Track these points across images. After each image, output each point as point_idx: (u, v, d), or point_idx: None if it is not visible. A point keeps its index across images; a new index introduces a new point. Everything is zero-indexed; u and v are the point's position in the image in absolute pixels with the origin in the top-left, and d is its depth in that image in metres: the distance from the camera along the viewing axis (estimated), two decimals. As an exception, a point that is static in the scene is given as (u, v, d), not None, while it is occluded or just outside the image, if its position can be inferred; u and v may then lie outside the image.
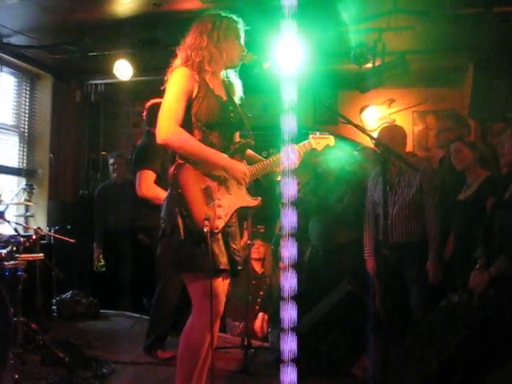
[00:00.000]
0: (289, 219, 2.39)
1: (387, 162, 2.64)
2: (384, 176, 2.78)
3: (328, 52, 5.13)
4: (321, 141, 2.88)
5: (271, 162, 2.69)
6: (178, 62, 2.56)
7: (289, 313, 2.33)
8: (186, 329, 2.55)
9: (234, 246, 2.59)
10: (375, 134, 4.04)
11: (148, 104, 4.09)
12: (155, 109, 3.86)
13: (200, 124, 2.48)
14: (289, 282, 2.40)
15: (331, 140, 2.92)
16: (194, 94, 2.47)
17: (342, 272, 4.20)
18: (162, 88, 2.51)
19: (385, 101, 6.56)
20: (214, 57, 2.51)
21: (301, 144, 2.79)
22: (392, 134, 4.03)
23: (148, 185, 3.85)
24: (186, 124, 2.46)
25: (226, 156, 2.50)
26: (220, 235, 2.49)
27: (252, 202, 2.64)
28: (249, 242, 4.27)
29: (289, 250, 2.42)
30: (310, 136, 2.85)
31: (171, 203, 2.45)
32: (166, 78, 2.53)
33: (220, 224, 2.47)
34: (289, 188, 2.36)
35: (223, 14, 2.59)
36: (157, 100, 3.82)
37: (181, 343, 2.56)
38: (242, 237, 4.36)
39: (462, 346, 2.91)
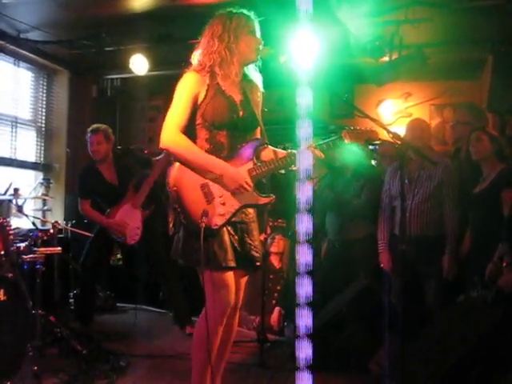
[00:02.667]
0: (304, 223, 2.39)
1: (406, 157, 2.61)
2: (402, 170, 2.76)
3: (344, 45, 5.08)
4: (359, 135, 2.73)
5: (284, 162, 2.60)
6: (192, 67, 2.60)
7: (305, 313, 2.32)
8: (198, 321, 2.60)
9: (251, 242, 2.60)
10: (392, 129, 4.01)
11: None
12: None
13: (207, 124, 2.53)
14: (304, 285, 2.41)
15: (375, 133, 2.76)
16: (202, 96, 2.51)
17: (358, 266, 4.18)
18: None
19: (401, 94, 6.50)
20: (224, 59, 2.52)
21: (329, 141, 2.66)
22: (418, 127, 4.00)
23: (86, 211, 4.57)
24: (194, 124, 2.53)
25: (224, 165, 2.48)
26: (226, 233, 2.50)
27: (262, 199, 2.60)
28: (265, 236, 4.26)
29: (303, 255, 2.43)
30: (344, 131, 2.69)
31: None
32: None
33: (220, 221, 2.48)
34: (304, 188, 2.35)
35: (233, 11, 2.58)
36: None
37: (194, 335, 2.62)
38: (264, 232, 4.39)
39: (481, 343, 2.89)
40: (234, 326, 2.70)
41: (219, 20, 2.57)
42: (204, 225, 2.40)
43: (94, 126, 4.68)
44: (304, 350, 2.36)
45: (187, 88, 2.51)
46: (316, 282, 2.50)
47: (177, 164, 2.50)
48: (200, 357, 2.54)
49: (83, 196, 4.60)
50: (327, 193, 4.46)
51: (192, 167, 2.49)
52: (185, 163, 2.49)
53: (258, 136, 2.69)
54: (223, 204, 2.49)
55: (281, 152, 2.69)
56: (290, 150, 2.63)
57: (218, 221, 2.47)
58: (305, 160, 2.58)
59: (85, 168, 4.77)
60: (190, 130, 2.53)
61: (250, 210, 2.63)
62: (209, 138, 2.53)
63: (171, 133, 2.47)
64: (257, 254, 2.61)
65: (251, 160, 2.60)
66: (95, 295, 4.95)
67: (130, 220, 4.46)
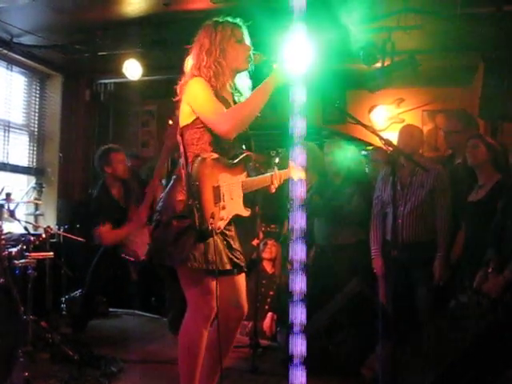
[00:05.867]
0: (298, 221, 2.40)
1: (397, 163, 2.63)
2: (393, 176, 2.78)
3: (337, 51, 5.11)
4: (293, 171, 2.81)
5: (266, 179, 2.72)
6: (187, 79, 2.59)
7: (298, 314, 2.33)
8: (182, 326, 2.57)
9: (235, 247, 2.63)
10: (384, 135, 4.04)
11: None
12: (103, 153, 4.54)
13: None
14: (298, 283, 2.41)
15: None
16: None
17: (348, 272, 4.19)
18: (175, 100, 2.58)
19: (394, 100, 6.53)
20: (216, 72, 2.54)
21: (282, 171, 2.77)
22: (410, 134, 4.03)
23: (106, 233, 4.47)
24: (202, 128, 2.51)
25: (264, 84, 2.51)
26: (219, 237, 2.52)
27: (245, 211, 2.65)
28: (258, 241, 4.27)
29: (297, 252, 2.44)
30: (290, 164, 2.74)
31: (174, 194, 2.49)
32: (179, 92, 2.58)
33: (222, 225, 2.50)
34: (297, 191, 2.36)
35: (219, 21, 2.59)
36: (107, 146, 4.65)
37: (179, 341, 2.58)
38: (256, 237, 4.41)
39: (473, 347, 2.90)
40: (236, 334, 2.70)
41: (205, 33, 2.58)
42: (212, 226, 2.40)
43: (112, 146, 4.72)
44: (298, 347, 2.37)
45: (205, 87, 2.49)
46: (306, 286, 2.51)
47: (201, 159, 2.44)
48: (187, 366, 2.54)
49: (104, 221, 4.48)
50: (316, 199, 4.47)
51: (259, 108, 2.50)
52: (254, 112, 2.49)
53: (250, 145, 2.71)
54: (224, 208, 2.50)
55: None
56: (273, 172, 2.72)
57: (220, 224, 2.49)
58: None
59: (99, 192, 4.69)
60: (191, 133, 2.52)
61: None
62: (213, 142, 2.52)
63: (222, 122, 2.44)
64: (240, 260, 2.63)
65: (245, 172, 2.66)
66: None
67: (138, 237, 4.48)
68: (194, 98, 2.49)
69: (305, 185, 2.51)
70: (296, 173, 2.78)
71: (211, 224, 2.38)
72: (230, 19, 2.61)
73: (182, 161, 2.56)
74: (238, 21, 2.62)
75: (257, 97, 2.52)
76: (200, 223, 2.39)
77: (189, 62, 2.63)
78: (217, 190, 2.47)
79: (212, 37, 2.55)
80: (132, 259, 4.50)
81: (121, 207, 4.62)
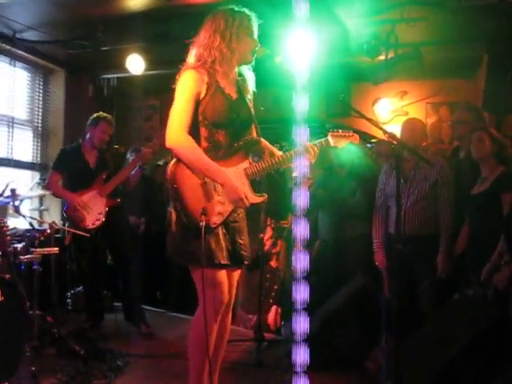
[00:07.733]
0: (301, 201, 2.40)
1: (401, 156, 2.62)
2: (398, 170, 2.77)
3: (340, 44, 5.09)
4: (342, 139, 2.79)
5: (279, 160, 2.62)
6: (190, 59, 2.58)
7: (301, 295, 2.33)
8: (193, 320, 2.61)
9: (241, 241, 2.62)
10: (388, 127, 4.02)
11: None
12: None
13: (207, 122, 2.52)
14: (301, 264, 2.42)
15: (355, 137, 2.81)
16: (203, 95, 2.50)
17: (352, 265, 4.19)
18: (174, 86, 2.55)
19: (397, 93, 6.52)
20: (225, 57, 2.52)
21: (316, 142, 2.70)
22: (413, 128, 4.01)
23: (54, 183, 4.67)
24: (194, 122, 2.50)
25: (226, 175, 2.47)
26: (221, 231, 2.52)
27: (256, 198, 2.60)
28: (261, 235, 4.27)
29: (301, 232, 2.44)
30: (329, 134, 2.75)
31: (169, 198, 2.52)
32: (176, 78, 2.56)
33: (218, 219, 2.49)
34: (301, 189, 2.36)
35: (236, 10, 2.56)
36: None
37: (190, 335, 2.61)
38: (263, 232, 4.40)
39: (477, 341, 2.90)
40: (227, 324, 2.72)
41: (222, 16, 2.54)
42: (204, 223, 2.40)
43: (107, 115, 4.77)
44: (301, 325, 2.37)
45: (188, 87, 2.48)
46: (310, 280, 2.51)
47: (175, 161, 2.48)
48: (197, 358, 2.55)
49: (57, 167, 4.68)
50: (320, 192, 4.47)
51: (193, 170, 2.46)
52: (187, 164, 2.46)
53: (254, 134, 2.69)
54: (221, 203, 2.50)
55: (276, 150, 2.72)
56: (285, 151, 2.65)
57: (216, 219, 2.48)
58: (301, 160, 2.61)
59: (69, 146, 4.86)
60: (192, 128, 2.51)
61: (240, 209, 2.63)
62: (208, 137, 2.52)
63: (177, 133, 2.44)
64: (245, 253, 2.64)
65: (247, 159, 2.62)
66: (100, 293, 4.93)
67: (93, 205, 4.48)
68: (176, 94, 2.49)
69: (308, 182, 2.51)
70: (342, 139, 2.77)
71: (202, 221, 2.39)
72: (246, 11, 2.58)
73: None
74: (253, 15, 2.59)
75: (206, 168, 2.44)
76: (186, 222, 2.44)
77: (193, 52, 2.59)
78: (205, 187, 2.47)
79: (229, 21, 2.52)
80: (79, 224, 4.44)
81: (89, 168, 4.64)
